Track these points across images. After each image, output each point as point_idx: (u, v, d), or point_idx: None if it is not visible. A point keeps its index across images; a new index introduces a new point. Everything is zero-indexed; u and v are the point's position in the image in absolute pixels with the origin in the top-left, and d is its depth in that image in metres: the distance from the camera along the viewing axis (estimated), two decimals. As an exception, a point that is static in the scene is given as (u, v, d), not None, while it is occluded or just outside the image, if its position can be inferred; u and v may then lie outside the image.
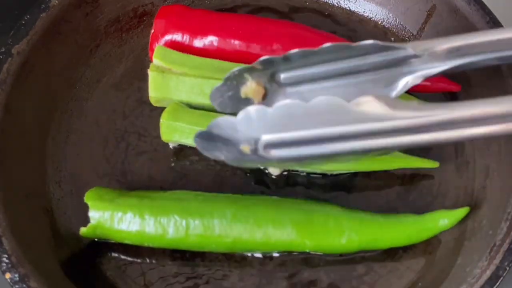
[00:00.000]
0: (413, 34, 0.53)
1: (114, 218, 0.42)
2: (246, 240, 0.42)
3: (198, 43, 0.49)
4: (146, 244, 0.43)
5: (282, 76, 0.41)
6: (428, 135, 0.35)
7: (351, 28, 0.54)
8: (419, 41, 0.39)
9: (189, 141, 0.46)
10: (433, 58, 0.39)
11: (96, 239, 0.44)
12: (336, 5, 0.55)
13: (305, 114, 0.35)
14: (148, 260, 0.44)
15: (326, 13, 0.55)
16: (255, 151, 0.37)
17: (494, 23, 0.47)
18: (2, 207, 0.41)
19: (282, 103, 0.35)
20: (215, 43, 0.49)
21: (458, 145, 0.48)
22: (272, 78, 0.41)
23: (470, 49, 0.38)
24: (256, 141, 0.37)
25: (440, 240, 0.45)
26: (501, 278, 0.40)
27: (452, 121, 0.35)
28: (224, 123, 0.37)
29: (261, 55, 0.48)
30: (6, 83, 0.45)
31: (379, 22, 0.54)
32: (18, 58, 0.46)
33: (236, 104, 0.42)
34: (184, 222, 0.42)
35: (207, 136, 0.38)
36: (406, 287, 0.44)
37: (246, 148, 0.37)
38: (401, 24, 0.53)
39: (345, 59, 0.40)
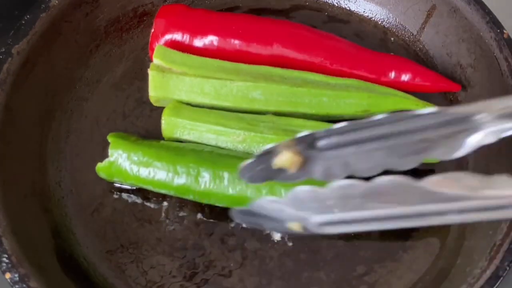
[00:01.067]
0: (413, 34, 0.53)
1: (132, 158, 0.44)
2: (250, 196, 0.43)
3: (198, 42, 0.49)
4: (154, 189, 0.45)
5: (321, 142, 0.36)
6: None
7: (351, 28, 0.54)
8: (483, 102, 0.34)
9: (190, 137, 0.46)
10: (501, 118, 0.34)
11: (107, 179, 0.45)
12: (336, 5, 0.55)
13: (365, 194, 0.32)
14: (148, 260, 0.44)
15: (326, 13, 0.55)
16: (305, 228, 0.35)
17: (494, 23, 0.47)
18: (2, 207, 0.41)
19: (337, 184, 0.32)
20: (215, 43, 0.49)
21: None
22: (310, 145, 0.36)
23: None
24: (307, 219, 0.34)
25: (440, 240, 0.45)
26: (501, 278, 0.40)
27: None
28: (268, 205, 0.35)
29: (261, 55, 0.48)
30: (6, 83, 0.45)
31: (379, 22, 0.54)
32: (18, 58, 0.46)
33: (269, 175, 0.37)
34: (196, 171, 0.43)
35: (248, 213, 0.36)
36: (406, 287, 0.44)
37: (296, 225, 0.35)
38: (401, 24, 0.53)
39: (396, 121, 0.34)
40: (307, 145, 0.36)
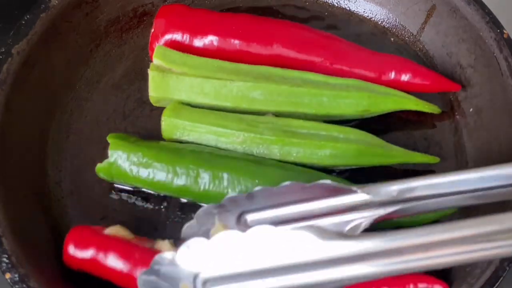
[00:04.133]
0: (413, 34, 0.53)
1: (131, 158, 0.44)
2: None
3: (198, 42, 0.49)
4: (154, 190, 0.45)
5: (248, 218, 0.41)
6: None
7: (351, 28, 0.54)
8: (368, 186, 0.40)
9: (190, 138, 0.46)
10: (383, 201, 0.39)
11: (107, 180, 0.45)
12: (336, 5, 0.55)
13: (242, 244, 0.35)
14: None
15: (326, 13, 0.55)
16: None
17: (494, 23, 0.47)
18: (2, 207, 0.41)
19: (220, 234, 0.35)
20: (215, 43, 0.49)
21: (457, 145, 0.48)
22: (239, 220, 0.41)
23: (416, 191, 0.39)
24: (195, 278, 0.36)
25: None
26: (501, 278, 0.40)
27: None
28: (162, 259, 0.36)
29: (261, 55, 0.48)
30: (6, 83, 0.45)
31: (379, 22, 0.54)
32: (18, 58, 0.46)
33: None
34: (196, 172, 0.43)
35: (151, 274, 0.37)
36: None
37: (185, 287, 0.36)
38: (401, 24, 0.53)
39: (304, 202, 0.40)
40: (236, 218, 0.41)
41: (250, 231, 0.35)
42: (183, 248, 0.36)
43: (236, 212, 0.41)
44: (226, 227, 0.40)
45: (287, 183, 0.40)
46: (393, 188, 0.39)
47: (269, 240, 0.35)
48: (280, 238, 0.35)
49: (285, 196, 0.40)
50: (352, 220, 0.40)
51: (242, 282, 0.36)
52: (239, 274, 0.36)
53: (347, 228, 0.40)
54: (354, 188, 0.40)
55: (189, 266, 0.36)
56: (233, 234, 0.35)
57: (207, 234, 0.40)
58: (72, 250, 0.41)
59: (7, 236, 0.40)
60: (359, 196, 0.40)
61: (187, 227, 0.41)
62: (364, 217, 0.40)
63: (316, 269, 0.35)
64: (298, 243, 0.35)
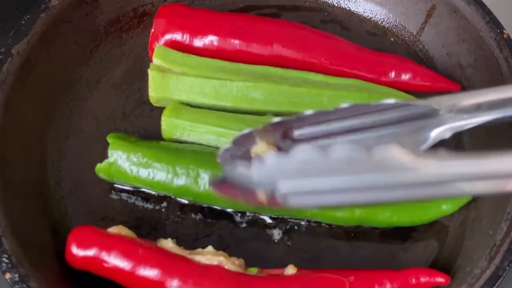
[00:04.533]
0: (413, 34, 0.53)
1: (131, 159, 0.44)
2: None
3: (198, 42, 0.49)
4: (154, 190, 0.45)
5: (296, 132, 0.38)
6: (453, 187, 0.32)
7: (351, 28, 0.54)
8: (444, 96, 0.36)
9: (190, 138, 0.46)
10: (461, 113, 0.35)
11: (107, 180, 0.45)
12: (336, 5, 0.55)
13: (323, 162, 0.33)
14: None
15: (326, 13, 0.55)
16: (271, 197, 0.34)
17: (494, 23, 0.47)
18: (2, 207, 0.41)
19: (298, 150, 0.33)
20: (215, 43, 0.49)
21: (457, 145, 0.48)
22: (286, 135, 0.38)
23: (498, 105, 0.35)
24: (273, 190, 0.34)
25: (440, 240, 0.45)
26: (501, 278, 0.40)
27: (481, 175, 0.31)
28: (240, 173, 0.34)
29: (261, 55, 0.48)
30: (6, 83, 0.45)
31: (379, 22, 0.54)
32: (18, 58, 0.46)
33: (247, 161, 0.37)
34: (196, 172, 0.44)
35: (225, 182, 0.36)
36: (406, 287, 0.44)
37: (262, 194, 0.35)
38: (401, 24, 0.53)
39: (364, 114, 0.37)
40: (282, 134, 0.37)
41: (332, 148, 0.32)
42: (257, 163, 0.34)
43: (281, 130, 0.37)
44: (270, 144, 0.37)
45: (345, 105, 0.35)
46: (470, 102, 0.35)
47: (353, 157, 0.32)
48: (364, 155, 0.32)
49: (342, 114, 0.36)
50: (424, 131, 0.36)
51: (324, 195, 0.33)
52: (321, 189, 0.33)
53: (419, 139, 0.36)
54: (426, 102, 0.35)
55: (265, 181, 0.34)
56: (313, 150, 0.32)
57: (247, 155, 0.37)
58: (75, 249, 0.41)
59: (7, 236, 0.40)
60: (430, 108, 0.35)
61: (224, 151, 0.38)
62: (438, 127, 0.36)
63: (403, 188, 0.32)
64: (387, 160, 0.31)
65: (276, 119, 0.37)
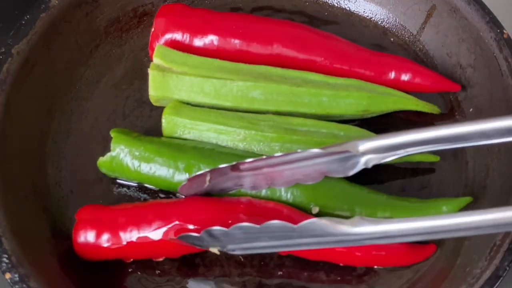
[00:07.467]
0: (413, 34, 0.53)
1: (133, 153, 0.44)
2: (252, 194, 0.44)
3: (198, 42, 0.49)
4: (155, 186, 0.46)
5: (242, 166, 0.42)
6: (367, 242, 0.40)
7: (351, 28, 0.54)
8: (356, 141, 0.40)
9: (190, 136, 0.46)
10: (375, 153, 0.40)
11: (108, 175, 0.46)
12: (336, 5, 0.55)
13: (258, 232, 0.40)
14: (146, 259, 0.44)
15: (326, 13, 0.55)
16: (222, 251, 0.42)
17: (494, 23, 0.47)
18: (2, 207, 0.41)
19: (238, 225, 0.39)
20: (215, 42, 0.49)
21: (458, 145, 0.49)
22: (234, 168, 0.42)
23: (400, 146, 0.39)
24: (224, 247, 0.42)
25: (440, 240, 0.45)
26: (501, 278, 0.40)
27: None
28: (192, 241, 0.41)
29: (261, 55, 0.49)
30: (6, 83, 0.45)
31: (379, 22, 0.54)
32: (18, 58, 0.46)
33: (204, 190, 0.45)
34: (197, 167, 0.44)
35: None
36: (406, 287, 0.44)
37: (214, 250, 0.42)
38: (401, 24, 0.53)
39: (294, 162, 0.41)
40: (231, 168, 0.42)
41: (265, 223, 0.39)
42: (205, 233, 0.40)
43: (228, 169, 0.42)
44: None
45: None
46: (382, 143, 0.39)
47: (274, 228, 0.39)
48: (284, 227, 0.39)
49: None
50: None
51: (261, 249, 0.41)
52: (258, 247, 0.41)
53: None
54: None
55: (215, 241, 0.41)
56: (246, 224, 0.39)
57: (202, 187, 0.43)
58: (83, 236, 0.42)
59: (7, 236, 0.40)
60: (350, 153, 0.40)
61: (180, 187, 0.44)
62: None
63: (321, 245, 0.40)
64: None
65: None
